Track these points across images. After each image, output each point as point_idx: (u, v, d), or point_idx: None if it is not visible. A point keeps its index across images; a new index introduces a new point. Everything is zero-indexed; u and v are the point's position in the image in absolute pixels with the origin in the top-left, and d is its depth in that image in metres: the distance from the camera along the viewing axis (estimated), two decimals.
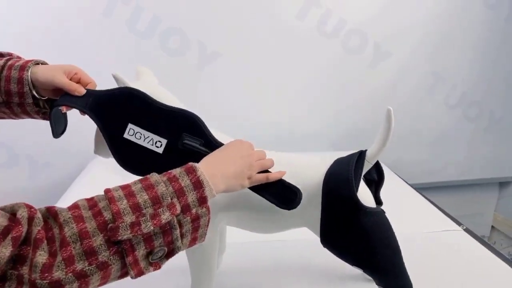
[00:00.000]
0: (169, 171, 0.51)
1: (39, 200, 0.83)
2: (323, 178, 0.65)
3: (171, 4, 1.46)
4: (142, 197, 0.46)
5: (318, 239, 0.66)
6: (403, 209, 0.99)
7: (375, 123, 1.70)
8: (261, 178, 0.59)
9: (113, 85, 0.63)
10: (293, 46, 1.58)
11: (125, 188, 0.48)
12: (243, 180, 0.57)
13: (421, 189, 1.41)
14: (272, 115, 1.65)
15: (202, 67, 1.54)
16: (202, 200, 0.49)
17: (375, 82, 1.68)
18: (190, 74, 1.54)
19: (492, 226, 2.14)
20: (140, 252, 0.45)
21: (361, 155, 0.67)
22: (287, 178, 0.65)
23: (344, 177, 0.63)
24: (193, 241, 0.50)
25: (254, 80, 1.59)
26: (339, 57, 1.61)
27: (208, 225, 0.51)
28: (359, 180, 0.64)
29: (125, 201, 0.45)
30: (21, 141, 1.44)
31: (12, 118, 0.68)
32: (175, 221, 0.46)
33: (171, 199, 0.47)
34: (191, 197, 0.48)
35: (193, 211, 0.48)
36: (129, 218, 0.44)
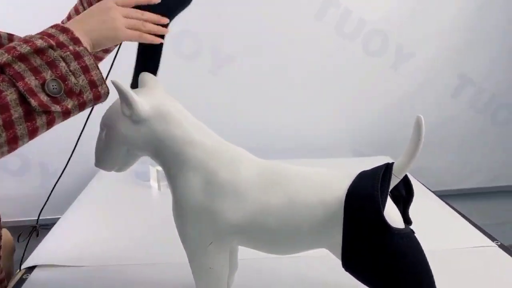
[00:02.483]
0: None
1: (51, 206, 0.81)
2: (345, 194, 0.58)
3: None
4: (18, 42, 0.49)
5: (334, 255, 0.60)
6: (429, 222, 0.91)
7: (397, 128, 1.67)
8: (132, 34, 0.60)
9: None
10: (310, 47, 1.53)
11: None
12: (108, 31, 0.57)
13: (446, 196, 1.32)
14: (288, 120, 1.60)
15: (215, 71, 1.50)
16: (75, 40, 0.52)
17: (397, 84, 1.62)
18: (203, 79, 1.50)
19: None
20: (32, 81, 0.48)
21: (387, 168, 0.60)
22: (306, 194, 0.59)
23: (368, 193, 0.56)
24: (92, 85, 0.53)
25: (270, 83, 1.55)
26: (359, 59, 1.56)
27: (97, 67, 0.54)
28: (386, 197, 0.57)
29: (4, 51, 0.48)
30: (33, 148, 1.42)
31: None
32: (55, 54, 0.49)
33: (40, 37, 0.50)
34: (62, 37, 0.51)
35: (70, 47, 0.51)
36: (4, 50, 0.47)
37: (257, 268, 0.82)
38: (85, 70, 0.52)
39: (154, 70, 0.67)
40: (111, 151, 0.62)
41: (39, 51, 0.49)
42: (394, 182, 0.60)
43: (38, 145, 1.36)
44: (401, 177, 0.60)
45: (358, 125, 1.66)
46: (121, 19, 0.58)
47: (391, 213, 0.57)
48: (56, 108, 0.49)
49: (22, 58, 0.48)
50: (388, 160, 1.58)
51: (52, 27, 0.54)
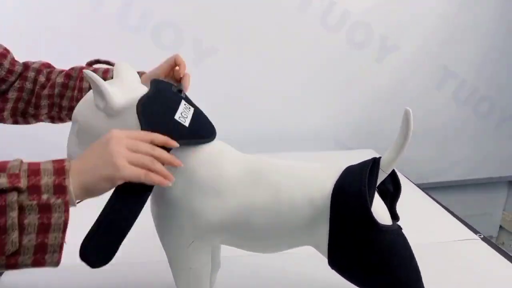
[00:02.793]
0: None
1: None
2: (331, 190, 0.56)
3: None
4: None
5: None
6: (412, 215, 0.90)
7: (381, 121, 1.66)
8: (136, 173, 0.46)
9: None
10: (294, 39, 1.50)
11: None
12: (106, 168, 0.45)
13: (427, 189, 1.33)
14: (272, 113, 1.57)
15: (197, 64, 1.45)
16: (60, 189, 0.41)
17: (381, 77, 1.60)
18: (186, 70, 1.45)
19: (500, 226, 2.08)
20: None
21: (374, 162, 0.58)
22: (292, 190, 0.57)
23: (356, 188, 0.54)
24: (40, 250, 0.40)
25: (253, 76, 1.51)
26: (343, 51, 1.53)
27: (65, 231, 0.41)
28: (373, 192, 0.55)
29: None
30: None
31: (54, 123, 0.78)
32: (14, 199, 0.38)
33: (19, 171, 0.40)
34: (46, 179, 0.40)
35: (44, 196, 0.40)
36: None
37: (240, 266, 0.80)
38: (43, 229, 0.40)
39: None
40: (83, 146, 0.58)
41: None
42: (381, 177, 0.58)
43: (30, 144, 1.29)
44: (389, 172, 0.58)
45: (341, 118, 1.65)
46: (123, 152, 0.46)
47: (379, 209, 0.56)
48: None
49: None
50: (372, 153, 1.58)
51: (54, 161, 0.44)
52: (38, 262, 0.41)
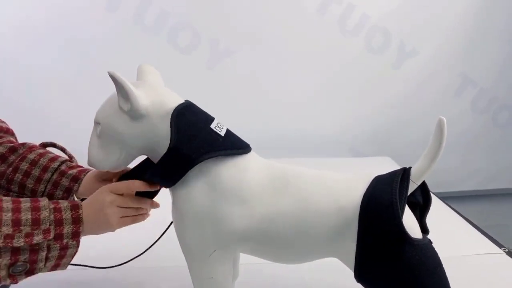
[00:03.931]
0: (58, 201, 0.56)
1: None
2: (360, 201, 0.54)
3: None
4: (26, 215, 0.52)
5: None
6: (433, 226, 0.88)
7: (397, 127, 1.63)
8: (125, 223, 0.61)
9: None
10: (311, 43, 1.49)
11: (16, 202, 0.53)
12: (102, 225, 0.58)
13: (444, 198, 1.30)
14: (285, 117, 1.55)
15: (213, 65, 1.44)
16: (75, 234, 0.55)
17: (398, 83, 1.58)
18: (200, 73, 1.45)
19: None
20: (4, 261, 0.51)
21: (405, 173, 0.55)
22: (319, 199, 0.55)
23: (386, 200, 0.52)
24: (55, 267, 0.56)
25: (267, 80, 1.50)
26: (360, 56, 1.51)
27: (73, 256, 0.56)
28: (404, 204, 0.53)
29: (9, 214, 0.51)
30: None
31: None
32: (45, 244, 0.53)
33: (49, 225, 0.53)
34: (67, 229, 0.54)
35: (65, 241, 0.54)
36: (6, 229, 0.50)
37: (259, 274, 0.78)
38: (59, 258, 0.55)
39: None
40: (105, 149, 0.57)
41: (31, 245, 0.51)
42: (411, 188, 0.56)
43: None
44: (419, 183, 0.56)
45: (356, 124, 1.62)
46: (116, 213, 0.59)
47: (409, 222, 0.53)
48: (6, 282, 0.53)
49: (14, 249, 0.51)
50: (389, 161, 1.55)
51: (72, 207, 0.55)
52: (56, 266, 0.57)
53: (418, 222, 0.56)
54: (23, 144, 0.70)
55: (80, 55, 1.38)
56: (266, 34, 1.45)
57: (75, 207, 0.56)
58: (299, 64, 1.50)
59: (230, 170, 0.55)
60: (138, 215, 0.63)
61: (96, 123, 0.57)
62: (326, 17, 1.45)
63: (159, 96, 0.55)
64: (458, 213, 1.13)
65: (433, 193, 1.25)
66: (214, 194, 0.54)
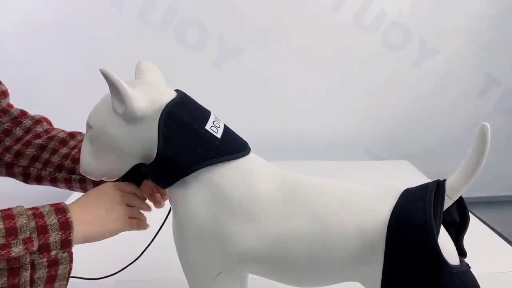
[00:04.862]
0: (36, 206, 0.46)
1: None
2: (388, 219, 0.46)
3: None
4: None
5: None
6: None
7: (416, 129, 1.55)
8: (133, 225, 0.54)
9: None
10: (325, 40, 1.42)
11: None
12: (112, 223, 0.51)
13: (468, 204, 1.22)
14: (298, 117, 1.49)
15: (221, 64, 1.38)
16: (66, 243, 0.45)
17: (418, 82, 1.49)
18: (207, 71, 1.39)
19: None
20: None
21: (439, 187, 0.48)
22: (338, 216, 0.48)
23: (419, 219, 0.45)
24: None
25: (278, 78, 1.43)
26: (378, 53, 1.43)
27: (68, 279, 0.46)
28: (440, 224, 0.46)
29: None
30: None
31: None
32: (27, 260, 0.42)
33: (30, 233, 0.43)
34: (55, 237, 0.44)
35: (53, 253, 0.44)
36: None
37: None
38: (50, 280, 0.45)
39: None
40: (98, 156, 0.51)
41: (9, 261, 0.41)
42: (446, 204, 0.48)
43: None
44: (456, 198, 0.49)
45: (373, 125, 1.54)
46: (126, 210, 0.53)
47: (445, 244, 0.46)
48: None
49: None
50: (407, 164, 1.47)
51: (57, 210, 0.46)
52: None
53: (454, 243, 0.49)
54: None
55: (85, 54, 1.34)
56: (277, 31, 1.39)
57: (60, 211, 0.46)
58: (312, 61, 1.43)
59: (236, 181, 0.49)
60: (143, 220, 0.56)
61: (88, 126, 0.51)
62: (341, 12, 1.38)
63: (158, 96, 0.48)
64: (482, 220, 1.05)
65: None
66: (219, 209, 0.48)
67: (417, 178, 1.29)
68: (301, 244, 0.47)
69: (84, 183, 0.61)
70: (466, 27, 1.46)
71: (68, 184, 0.62)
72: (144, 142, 0.48)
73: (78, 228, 0.46)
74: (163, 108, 0.47)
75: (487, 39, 1.48)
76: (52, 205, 0.46)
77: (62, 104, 1.35)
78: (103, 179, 0.53)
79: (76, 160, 0.60)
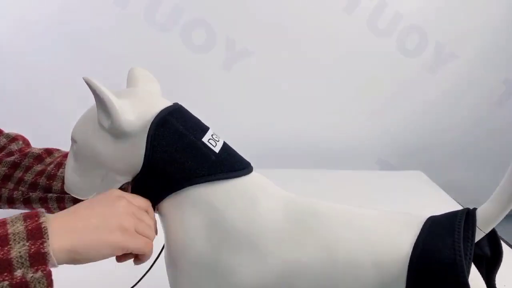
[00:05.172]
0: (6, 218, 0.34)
1: None
2: (409, 254, 0.40)
3: None
4: None
5: None
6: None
7: (431, 138, 1.48)
8: (141, 243, 0.40)
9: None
10: (337, 44, 1.37)
11: None
12: (111, 234, 0.37)
13: None
14: (307, 125, 1.44)
15: (229, 66, 1.34)
16: (39, 258, 0.31)
17: (434, 89, 1.44)
18: (215, 74, 1.36)
19: None
20: None
21: (469, 217, 0.42)
22: (351, 248, 0.42)
23: (447, 257, 0.39)
24: None
25: (288, 83, 1.39)
26: (392, 58, 1.39)
27: None
28: (470, 261, 0.40)
29: None
30: None
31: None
32: None
33: None
34: (17, 249, 0.31)
35: (17, 273, 0.31)
36: None
37: None
38: None
39: None
40: (83, 173, 0.46)
41: None
42: (477, 237, 0.42)
43: None
44: (488, 231, 0.43)
45: (385, 133, 1.49)
46: (133, 220, 0.40)
47: (476, 285, 0.40)
48: None
49: None
50: (421, 175, 1.40)
51: (26, 217, 0.34)
52: None
53: (484, 279, 0.43)
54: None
55: (89, 55, 1.30)
56: (288, 35, 1.35)
57: (31, 216, 0.34)
58: (323, 66, 1.39)
59: (236, 205, 0.43)
60: (151, 240, 0.42)
61: (73, 141, 0.45)
62: (354, 14, 1.33)
63: (150, 108, 0.43)
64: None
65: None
66: (217, 235, 0.42)
67: (431, 190, 1.23)
68: (306, 277, 0.42)
69: (63, 202, 0.55)
70: (484, 31, 1.41)
71: (44, 204, 0.55)
72: (133, 159, 0.43)
73: (59, 237, 0.34)
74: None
75: (506, 44, 1.43)
76: (22, 213, 0.35)
77: (62, 104, 1.32)
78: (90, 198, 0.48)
79: (52, 176, 0.55)
